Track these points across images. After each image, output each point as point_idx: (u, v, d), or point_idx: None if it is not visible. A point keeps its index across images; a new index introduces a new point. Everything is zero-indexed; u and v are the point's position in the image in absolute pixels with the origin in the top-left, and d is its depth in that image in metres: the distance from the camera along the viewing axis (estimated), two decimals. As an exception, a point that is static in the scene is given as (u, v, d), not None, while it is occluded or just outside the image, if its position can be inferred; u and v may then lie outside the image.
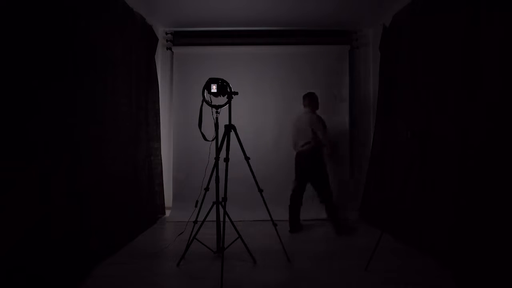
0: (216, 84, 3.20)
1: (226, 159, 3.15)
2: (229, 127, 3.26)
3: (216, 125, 3.29)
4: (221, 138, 3.28)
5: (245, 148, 3.34)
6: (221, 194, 3.19)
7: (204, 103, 3.25)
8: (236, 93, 3.28)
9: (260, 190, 3.34)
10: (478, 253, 2.71)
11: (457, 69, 3.10)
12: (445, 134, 3.24)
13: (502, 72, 2.58)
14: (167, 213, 5.23)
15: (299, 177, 4.45)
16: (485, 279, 2.60)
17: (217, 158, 3.31)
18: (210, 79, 3.23)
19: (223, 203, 3.09)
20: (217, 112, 3.28)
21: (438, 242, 3.25)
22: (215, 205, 3.34)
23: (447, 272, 2.97)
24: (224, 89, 3.22)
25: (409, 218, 3.71)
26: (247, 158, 3.33)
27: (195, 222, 3.32)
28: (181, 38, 5.44)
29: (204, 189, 3.33)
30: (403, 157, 3.95)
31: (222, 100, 3.25)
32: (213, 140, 3.27)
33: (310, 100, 4.50)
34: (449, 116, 3.19)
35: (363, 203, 5.01)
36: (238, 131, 3.29)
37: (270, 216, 3.38)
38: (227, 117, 3.27)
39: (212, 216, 3.36)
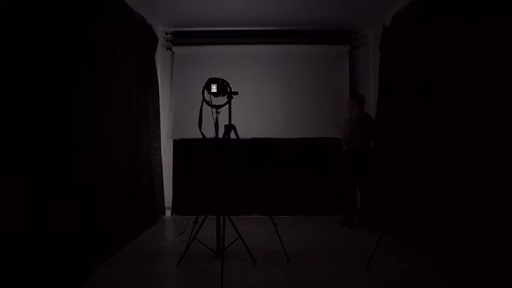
0: (216, 84, 3.20)
1: (226, 159, 3.16)
2: (229, 127, 3.26)
3: (216, 125, 3.30)
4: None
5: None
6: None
7: (204, 103, 3.25)
8: (236, 93, 3.28)
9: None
10: (478, 252, 2.71)
11: (457, 69, 3.10)
12: (445, 134, 3.24)
13: (502, 72, 2.58)
14: (167, 213, 5.23)
15: (360, 172, 4.62)
16: (485, 279, 2.60)
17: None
18: (210, 79, 3.23)
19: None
20: (217, 112, 3.28)
21: (438, 242, 3.25)
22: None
23: (447, 272, 2.97)
24: (224, 89, 3.22)
25: (409, 218, 3.71)
26: (247, 158, 3.33)
27: (195, 222, 3.32)
28: (181, 38, 5.43)
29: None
30: (403, 157, 3.94)
31: (222, 100, 3.25)
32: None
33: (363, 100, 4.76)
34: (449, 116, 3.19)
35: (362, 203, 5.00)
36: (238, 131, 3.30)
37: (270, 216, 3.38)
38: (227, 117, 3.28)
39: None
